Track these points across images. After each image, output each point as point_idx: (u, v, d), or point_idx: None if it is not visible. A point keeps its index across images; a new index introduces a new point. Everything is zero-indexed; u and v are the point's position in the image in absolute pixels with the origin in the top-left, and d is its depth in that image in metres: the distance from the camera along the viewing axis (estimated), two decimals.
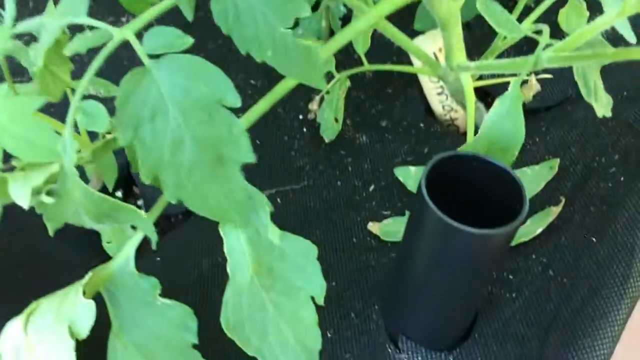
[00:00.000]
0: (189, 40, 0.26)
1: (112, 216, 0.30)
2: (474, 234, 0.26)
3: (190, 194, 0.30)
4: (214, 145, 0.29)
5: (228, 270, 0.33)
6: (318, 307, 0.34)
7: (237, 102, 0.27)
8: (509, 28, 0.36)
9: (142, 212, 0.30)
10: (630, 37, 0.38)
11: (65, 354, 0.31)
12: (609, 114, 0.36)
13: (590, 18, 0.36)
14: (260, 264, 0.33)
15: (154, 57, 0.27)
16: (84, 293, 0.32)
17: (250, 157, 0.29)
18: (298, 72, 0.30)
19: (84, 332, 0.31)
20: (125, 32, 0.27)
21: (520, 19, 0.42)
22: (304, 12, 0.29)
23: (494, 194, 0.30)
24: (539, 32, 0.37)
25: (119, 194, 0.54)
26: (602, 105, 0.35)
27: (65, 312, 0.31)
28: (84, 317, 0.31)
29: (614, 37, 0.35)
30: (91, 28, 0.34)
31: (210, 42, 0.61)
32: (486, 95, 0.53)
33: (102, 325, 0.34)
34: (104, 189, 0.50)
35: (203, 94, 0.27)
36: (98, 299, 0.34)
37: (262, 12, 0.28)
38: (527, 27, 0.42)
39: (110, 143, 0.29)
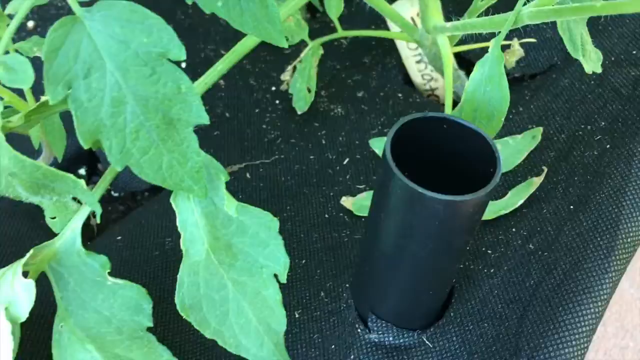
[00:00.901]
0: None
1: (49, 187, 0.27)
2: (441, 200, 0.23)
3: (138, 160, 0.27)
4: (161, 105, 0.26)
5: (181, 245, 0.30)
6: (286, 286, 0.31)
7: (181, 55, 0.24)
8: None
9: (82, 182, 0.27)
10: None
11: (3, 337, 0.28)
12: (599, 70, 0.33)
13: None
14: (217, 238, 0.30)
15: (86, 5, 0.24)
16: (27, 273, 0.30)
17: (203, 118, 0.27)
18: (253, 26, 0.27)
19: (22, 314, 0.29)
20: None
21: None
22: None
23: (468, 159, 0.27)
24: None
25: (82, 171, 0.51)
26: (591, 60, 0.32)
27: (2, 293, 0.29)
28: (23, 298, 0.29)
29: None
30: None
31: (179, 11, 0.58)
32: (470, 65, 0.50)
33: (48, 308, 0.31)
34: (63, 164, 0.47)
35: (144, 46, 0.24)
36: (44, 280, 0.31)
37: None
38: None
39: (45, 105, 0.27)
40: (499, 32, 0.32)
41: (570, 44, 0.31)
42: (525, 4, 0.33)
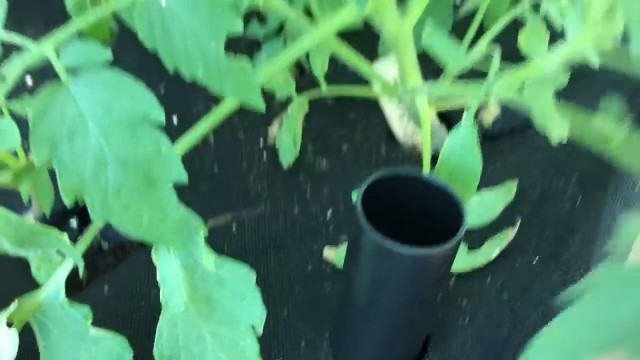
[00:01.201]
0: (107, 54, 0.25)
1: (34, 242, 0.28)
2: (407, 254, 0.25)
3: (119, 217, 0.28)
4: (141, 166, 0.27)
5: (161, 298, 0.31)
6: (268, 336, 0.32)
7: (161, 118, 0.26)
8: (454, 58, 0.35)
9: (65, 237, 0.28)
10: (593, 61, 0.37)
11: None
12: (565, 135, 0.34)
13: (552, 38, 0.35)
14: (196, 291, 0.31)
15: (73, 72, 0.26)
16: (12, 323, 0.31)
17: (182, 176, 0.28)
18: (232, 91, 0.29)
19: None
20: (44, 47, 0.26)
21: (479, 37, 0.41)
22: (236, 27, 0.28)
23: (438, 213, 0.29)
24: (491, 57, 0.36)
25: (73, 221, 0.52)
26: (558, 127, 0.34)
27: None
28: (6, 348, 0.29)
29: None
30: None
31: None
32: (452, 119, 0.52)
33: (33, 358, 0.32)
34: (55, 216, 0.48)
35: (126, 110, 0.26)
36: (29, 330, 0.32)
37: (190, 26, 0.27)
38: (481, 49, 0.42)
39: (32, 164, 0.28)
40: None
41: (536, 116, 0.33)
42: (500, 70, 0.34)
